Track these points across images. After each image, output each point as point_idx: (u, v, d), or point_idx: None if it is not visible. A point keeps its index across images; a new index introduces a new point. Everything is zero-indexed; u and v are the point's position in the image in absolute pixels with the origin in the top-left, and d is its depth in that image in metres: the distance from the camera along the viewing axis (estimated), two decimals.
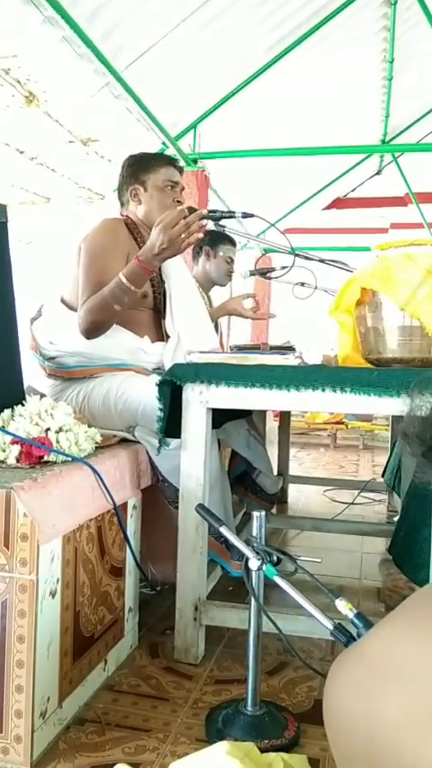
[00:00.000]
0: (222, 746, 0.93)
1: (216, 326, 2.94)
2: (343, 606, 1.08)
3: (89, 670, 1.35)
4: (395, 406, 1.41)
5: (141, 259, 1.71)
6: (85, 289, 1.81)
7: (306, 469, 4.73)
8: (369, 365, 1.62)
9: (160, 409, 1.56)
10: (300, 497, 3.51)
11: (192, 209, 1.88)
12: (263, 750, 1.06)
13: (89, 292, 1.79)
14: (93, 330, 1.79)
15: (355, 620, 1.06)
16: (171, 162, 2.07)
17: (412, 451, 0.68)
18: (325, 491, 3.62)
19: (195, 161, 4.71)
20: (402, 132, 6.36)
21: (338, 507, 3.16)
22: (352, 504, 3.19)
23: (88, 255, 1.86)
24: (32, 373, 1.93)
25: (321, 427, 6.22)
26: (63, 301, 1.96)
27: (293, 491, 3.50)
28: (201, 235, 1.74)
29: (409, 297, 1.42)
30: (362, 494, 3.33)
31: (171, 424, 1.57)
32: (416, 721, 0.43)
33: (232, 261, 3.05)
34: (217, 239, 2.96)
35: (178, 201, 2.03)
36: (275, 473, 3.02)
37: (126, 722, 1.28)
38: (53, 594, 1.18)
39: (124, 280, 1.71)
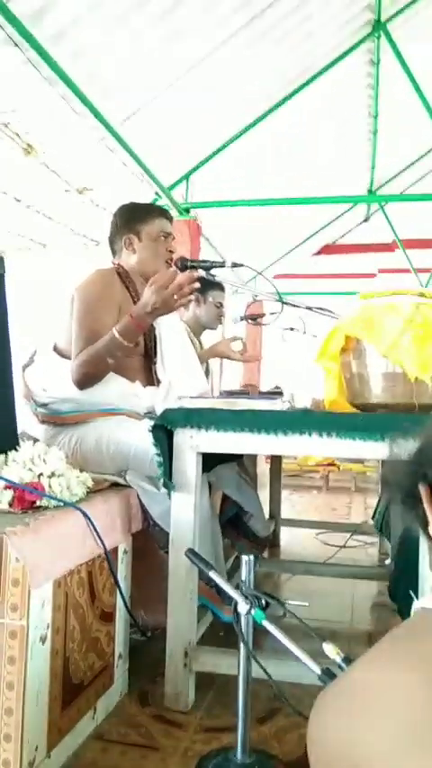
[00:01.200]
0: None
1: (206, 369, 2.99)
2: (330, 650, 1.10)
3: (78, 718, 1.34)
4: (380, 450, 1.44)
5: (134, 316, 1.76)
6: (78, 341, 1.86)
7: (298, 512, 4.71)
8: (355, 410, 1.66)
9: (158, 454, 1.58)
10: (292, 540, 3.50)
11: (184, 260, 1.95)
12: None
13: (82, 345, 1.84)
14: (85, 382, 1.84)
15: (343, 665, 1.07)
16: (163, 213, 2.15)
17: (392, 498, 0.71)
18: (317, 534, 3.61)
19: (188, 210, 4.84)
20: (388, 182, 6.59)
21: (331, 550, 3.16)
22: (344, 547, 3.19)
23: (81, 307, 1.91)
24: (25, 419, 1.96)
25: (313, 469, 6.23)
26: (56, 349, 2.01)
27: (286, 534, 3.49)
28: (192, 297, 1.80)
29: (391, 344, 1.47)
30: (354, 537, 3.33)
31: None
32: (400, 750, 0.44)
33: (222, 305, 3.12)
34: (206, 285, 3.03)
35: (170, 251, 2.10)
36: (267, 516, 3.02)
37: None
38: (43, 640, 1.18)
39: (117, 335, 1.76)
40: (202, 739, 1.41)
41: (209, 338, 3.28)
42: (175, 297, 1.73)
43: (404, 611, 1.80)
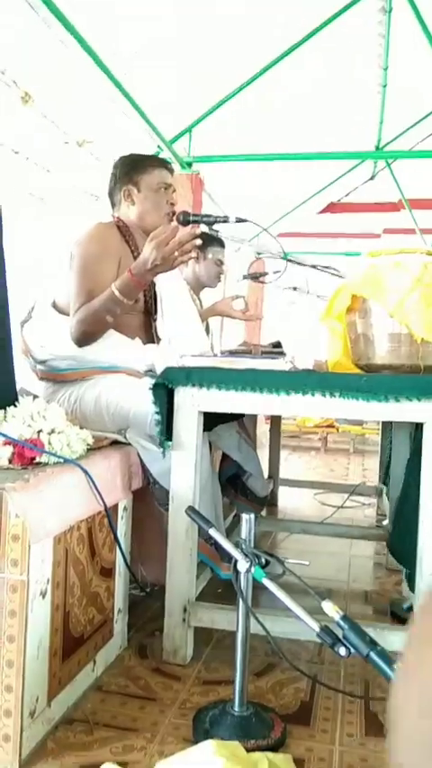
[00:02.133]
0: (208, 746, 0.94)
1: (206, 328, 2.96)
2: (329, 608, 1.10)
3: (78, 670, 1.36)
4: (383, 411, 1.43)
5: (134, 273, 1.72)
6: (77, 298, 1.82)
7: (297, 473, 4.74)
8: (359, 371, 1.64)
9: (157, 412, 1.57)
10: (290, 500, 3.53)
11: (186, 214, 1.90)
12: (249, 750, 1.08)
13: (81, 301, 1.80)
14: (84, 340, 1.82)
15: (341, 623, 1.08)
16: (164, 164, 2.09)
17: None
18: (315, 494, 3.64)
19: (190, 164, 4.72)
20: (396, 139, 6.41)
21: (328, 510, 3.18)
22: (341, 507, 3.21)
23: (80, 263, 1.87)
24: (25, 375, 1.94)
25: (312, 431, 6.25)
26: (55, 305, 1.97)
27: (284, 494, 3.51)
28: (194, 254, 1.76)
29: (398, 304, 1.44)
30: (351, 497, 3.35)
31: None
32: None
33: (222, 263, 3.06)
34: (206, 242, 2.96)
35: (171, 203, 2.04)
36: (266, 476, 3.04)
37: (114, 722, 1.29)
38: (43, 595, 1.19)
39: (117, 292, 1.73)
40: (200, 692, 1.43)
41: (209, 296, 3.23)
42: (176, 254, 1.68)
43: (405, 563, 1.81)
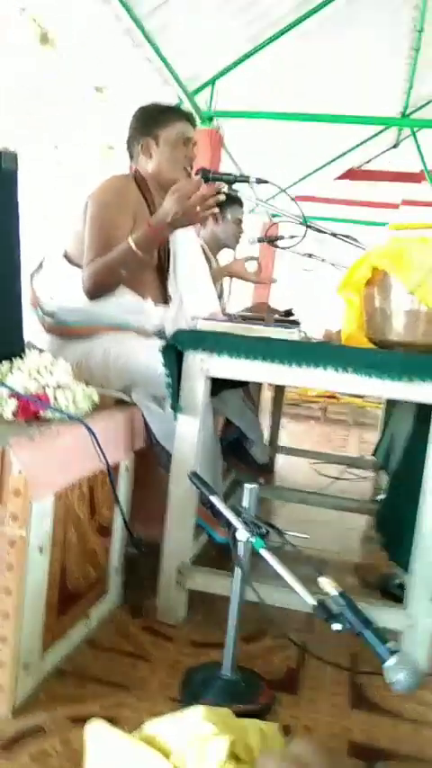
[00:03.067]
0: (199, 711, 0.95)
1: (221, 290, 2.92)
2: (326, 584, 1.10)
3: (72, 625, 1.37)
4: (395, 389, 1.41)
5: (153, 226, 1.68)
6: (90, 249, 1.78)
7: (295, 441, 4.75)
8: (372, 345, 1.61)
9: (167, 374, 1.55)
10: (287, 467, 3.54)
11: (206, 171, 1.84)
12: (236, 714, 1.09)
13: (95, 253, 1.76)
14: (96, 292, 1.78)
15: (340, 599, 1.08)
16: (185, 116, 2.01)
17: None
18: (312, 463, 3.65)
19: (211, 119, 4.59)
20: (424, 106, 6.22)
21: (324, 480, 3.20)
22: (338, 479, 3.22)
23: (95, 214, 1.82)
24: (32, 329, 1.90)
25: (314, 399, 6.24)
26: (66, 256, 1.93)
27: (281, 461, 3.52)
28: (216, 209, 1.72)
29: (420, 281, 1.41)
30: (348, 470, 3.36)
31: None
32: None
33: (241, 222, 3.01)
34: (225, 201, 2.90)
35: (190, 158, 1.98)
36: (266, 442, 3.04)
37: (105, 678, 1.31)
38: (41, 550, 1.19)
39: (133, 245, 1.69)
40: (191, 653, 1.45)
41: (225, 257, 3.18)
42: (198, 208, 1.64)
43: (390, 545, 1.82)
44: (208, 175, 1.83)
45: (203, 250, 2.88)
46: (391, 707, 1.34)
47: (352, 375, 1.41)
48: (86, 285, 1.77)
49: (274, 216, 6.01)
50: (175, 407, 1.56)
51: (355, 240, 1.87)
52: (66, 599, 1.32)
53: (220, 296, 2.95)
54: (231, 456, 2.56)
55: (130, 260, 1.72)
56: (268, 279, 4.51)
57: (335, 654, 1.53)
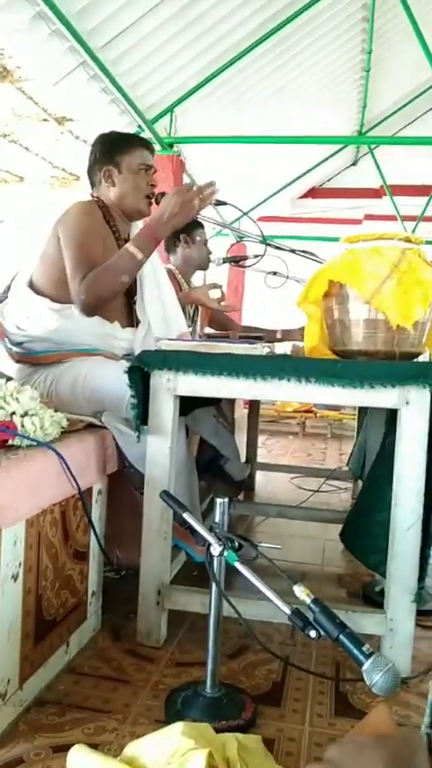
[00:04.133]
0: (178, 727, 0.95)
1: (193, 313, 2.95)
2: (300, 592, 1.11)
3: (51, 653, 1.36)
4: (358, 396, 1.44)
5: (150, 229, 1.73)
6: (78, 267, 1.77)
7: (274, 457, 4.77)
8: (335, 356, 1.64)
9: (133, 396, 1.56)
10: (267, 484, 3.55)
11: (165, 195, 1.88)
12: (219, 731, 1.08)
13: (84, 269, 1.76)
14: (96, 305, 1.76)
15: (312, 606, 1.09)
16: (145, 144, 2.05)
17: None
18: (292, 478, 3.66)
19: (171, 145, 4.66)
20: (379, 124, 6.41)
21: (304, 494, 3.21)
22: (317, 491, 3.24)
23: (74, 236, 1.83)
24: (0, 357, 1.91)
25: (291, 415, 6.28)
26: (31, 286, 1.94)
27: (261, 478, 3.53)
28: (214, 199, 1.78)
29: (375, 290, 1.45)
30: (328, 482, 3.38)
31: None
32: None
33: (206, 243, 3.09)
34: (190, 225, 2.99)
35: (152, 185, 2.02)
36: (243, 460, 3.05)
37: (86, 704, 1.30)
38: (15, 578, 1.18)
39: (134, 250, 1.72)
40: (173, 673, 1.44)
41: (197, 280, 3.23)
42: (196, 202, 1.71)
43: (353, 548, 1.82)
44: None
45: (173, 274, 2.94)
46: None
47: (315, 386, 1.44)
48: (85, 299, 1.74)
49: (240, 237, 6.11)
50: (139, 428, 1.57)
51: (313, 255, 1.92)
52: (43, 626, 1.31)
53: (193, 319, 2.99)
54: (208, 475, 2.57)
55: (132, 266, 1.74)
56: (232, 307, 4.58)
57: (318, 664, 1.54)
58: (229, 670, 1.47)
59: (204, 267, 3.14)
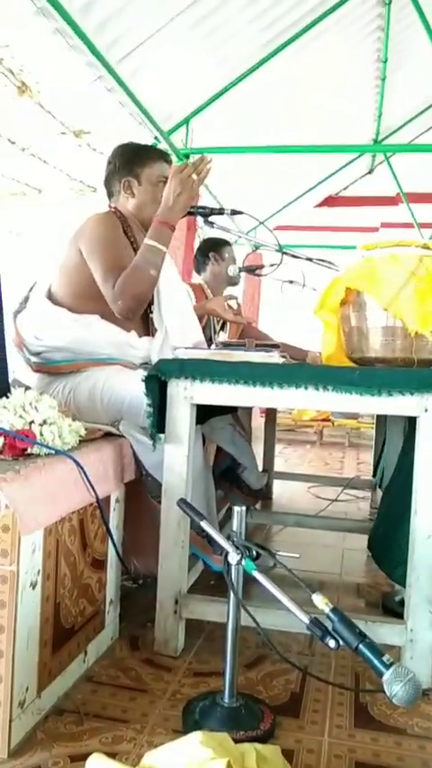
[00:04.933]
0: (197, 736, 0.94)
1: (208, 324, 2.98)
2: (319, 601, 1.10)
3: (69, 661, 1.36)
4: (376, 404, 1.43)
5: (161, 218, 1.77)
6: (108, 273, 1.81)
7: (291, 466, 4.75)
8: (352, 364, 1.64)
9: (149, 404, 1.56)
10: (284, 493, 3.54)
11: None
12: (238, 741, 1.08)
13: (115, 275, 1.80)
14: (134, 306, 1.80)
15: (331, 615, 1.08)
16: (164, 157, 2.07)
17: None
18: (309, 488, 3.65)
19: (187, 156, 4.69)
20: (395, 132, 6.39)
21: (322, 504, 3.19)
22: (336, 500, 3.22)
23: (98, 246, 1.86)
24: (18, 367, 1.93)
25: (308, 424, 6.26)
26: (50, 296, 1.96)
27: (278, 487, 3.52)
28: (209, 166, 1.84)
29: (392, 297, 1.44)
30: (346, 491, 3.36)
31: (156, 419, 1.58)
32: None
33: (235, 260, 3.18)
34: (218, 244, 3.17)
35: None
36: (261, 469, 3.04)
37: (104, 713, 1.29)
38: (33, 586, 1.19)
39: (153, 242, 1.77)
40: (191, 683, 1.43)
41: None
42: (195, 178, 1.76)
43: (381, 561, 1.81)
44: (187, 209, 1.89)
45: (203, 289, 3.02)
46: (395, 724, 1.33)
47: (333, 393, 1.43)
48: (123, 302, 1.78)
49: (256, 246, 6.13)
50: (154, 436, 1.57)
51: (330, 263, 1.92)
52: (61, 635, 1.31)
53: (213, 331, 3.03)
54: (225, 484, 2.57)
55: (156, 258, 1.78)
56: (247, 319, 4.63)
57: (337, 675, 1.52)
58: (246, 680, 1.46)
59: (235, 282, 3.22)
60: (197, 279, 3.20)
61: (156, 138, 4.41)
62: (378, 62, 5.14)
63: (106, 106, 3.98)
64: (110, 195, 2.08)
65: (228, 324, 3.08)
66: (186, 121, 4.60)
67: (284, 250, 2.05)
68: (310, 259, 1.99)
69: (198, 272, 3.21)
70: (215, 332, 3.07)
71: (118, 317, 1.82)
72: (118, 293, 1.78)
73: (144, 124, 4.25)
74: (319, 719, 1.33)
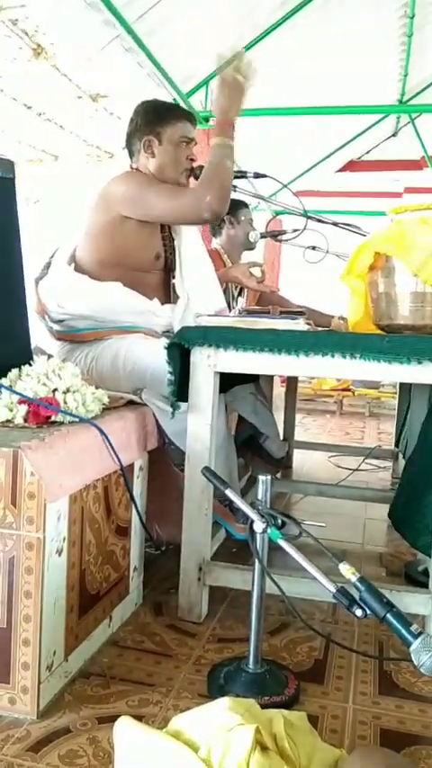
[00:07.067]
0: (224, 702, 0.95)
1: (227, 291, 2.93)
2: (346, 570, 1.09)
3: (94, 626, 1.37)
4: (405, 373, 1.40)
5: (220, 119, 1.84)
6: (173, 191, 1.85)
7: (312, 435, 4.74)
8: (380, 331, 1.60)
9: (170, 372, 1.55)
10: (305, 463, 3.53)
11: (202, 167, 1.85)
12: (263, 707, 1.08)
13: (182, 188, 1.88)
14: (222, 197, 1.78)
15: (358, 584, 1.07)
16: (188, 116, 2.00)
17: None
18: (330, 457, 3.63)
19: (207, 119, 4.58)
20: (421, 92, 6.17)
21: (343, 473, 3.18)
22: (356, 470, 3.20)
23: (145, 187, 1.85)
24: (40, 334, 1.91)
25: (328, 394, 6.22)
26: (74, 263, 1.93)
27: (299, 456, 3.51)
28: (249, 61, 1.88)
29: (423, 262, 1.40)
30: (367, 460, 3.35)
31: (179, 387, 1.57)
32: None
33: (252, 222, 3.06)
34: (235, 206, 3.02)
35: (191, 159, 1.98)
36: (281, 438, 3.03)
37: (130, 676, 1.31)
38: (59, 552, 1.19)
39: (220, 139, 1.81)
40: (215, 648, 1.44)
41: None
42: (238, 77, 1.82)
43: (403, 530, 1.79)
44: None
45: (219, 254, 2.93)
46: (419, 692, 1.33)
47: (360, 361, 1.40)
48: (211, 200, 1.76)
49: (277, 213, 6.02)
50: (174, 405, 1.56)
51: (357, 228, 1.86)
52: (86, 600, 1.32)
53: (233, 297, 2.97)
54: (247, 452, 2.56)
55: (228, 151, 1.82)
56: (270, 287, 4.54)
57: (360, 643, 1.52)
58: (270, 646, 1.47)
59: (252, 247, 3.13)
60: (214, 244, 3.12)
61: (174, 99, 4.31)
62: (405, 17, 4.93)
63: (123, 67, 3.89)
64: (131, 154, 2.02)
65: (245, 289, 3.01)
66: (206, 83, 4.48)
67: (309, 214, 1.99)
68: (336, 224, 1.93)
69: (214, 235, 3.11)
70: (233, 298, 3.01)
71: (203, 218, 1.81)
72: (204, 190, 1.78)
73: (162, 86, 4.15)
74: (343, 686, 1.33)
